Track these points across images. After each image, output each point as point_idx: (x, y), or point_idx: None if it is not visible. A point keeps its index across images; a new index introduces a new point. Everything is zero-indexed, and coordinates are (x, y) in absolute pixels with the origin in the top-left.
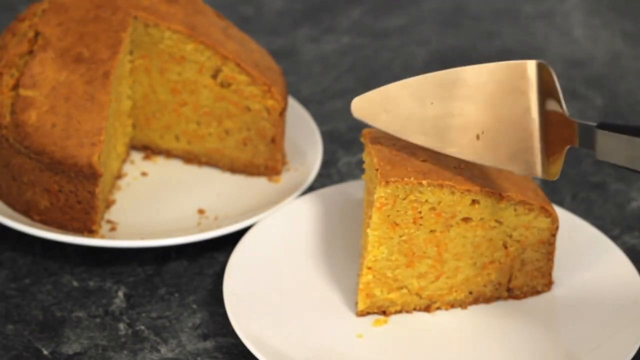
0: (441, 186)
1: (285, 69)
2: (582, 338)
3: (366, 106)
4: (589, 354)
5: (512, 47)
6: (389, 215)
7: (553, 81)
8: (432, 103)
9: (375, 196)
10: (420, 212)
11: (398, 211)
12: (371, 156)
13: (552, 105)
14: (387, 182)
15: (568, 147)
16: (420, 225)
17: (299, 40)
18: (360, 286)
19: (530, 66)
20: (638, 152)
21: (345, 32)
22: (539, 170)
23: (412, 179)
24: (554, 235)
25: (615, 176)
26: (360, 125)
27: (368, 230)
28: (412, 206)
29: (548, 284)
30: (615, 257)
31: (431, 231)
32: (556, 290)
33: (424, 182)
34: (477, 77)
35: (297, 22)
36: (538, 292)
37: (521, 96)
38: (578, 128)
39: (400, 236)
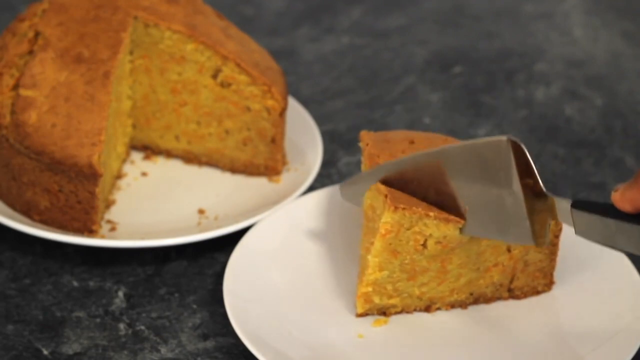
0: (447, 220)
1: (285, 69)
2: (582, 338)
3: (352, 191)
4: (590, 354)
5: (512, 47)
6: (390, 244)
7: (526, 157)
8: (415, 183)
9: (382, 221)
10: (423, 245)
11: (400, 240)
12: (376, 185)
13: (529, 180)
14: (396, 209)
15: (551, 220)
16: (424, 253)
17: (299, 40)
18: (359, 294)
19: (504, 143)
20: (612, 232)
21: (345, 32)
22: (529, 240)
23: (420, 209)
24: (557, 236)
25: (615, 176)
26: (360, 125)
27: (369, 257)
28: (414, 237)
29: (549, 284)
30: (615, 257)
31: (434, 256)
32: (556, 290)
33: (432, 214)
34: (457, 156)
35: (297, 22)
36: (538, 292)
37: (500, 173)
38: (555, 204)
39: (402, 260)
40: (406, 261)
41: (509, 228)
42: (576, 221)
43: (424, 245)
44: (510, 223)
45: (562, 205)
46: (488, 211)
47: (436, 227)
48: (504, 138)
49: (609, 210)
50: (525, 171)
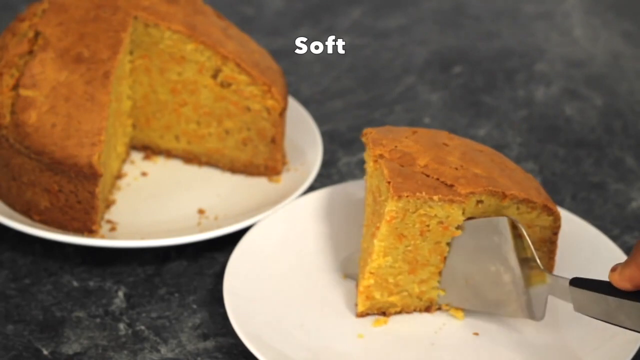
0: (452, 201)
1: (285, 69)
2: (582, 338)
3: (354, 264)
4: (590, 354)
5: (512, 47)
6: (396, 228)
7: (524, 236)
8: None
9: (387, 209)
10: (428, 226)
11: (406, 224)
12: (380, 167)
13: (527, 257)
14: (400, 197)
15: (548, 295)
16: (427, 237)
17: (299, 40)
18: (361, 289)
19: (503, 222)
20: (612, 309)
21: (345, 32)
22: (525, 314)
23: (423, 193)
24: (556, 234)
25: (615, 176)
26: (360, 125)
27: (375, 241)
28: (420, 220)
29: None
30: (615, 256)
31: (436, 242)
32: None
33: (435, 197)
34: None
35: (297, 22)
36: None
37: (498, 250)
38: (552, 281)
39: (406, 246)
40: (409, 247)
41: (506, 302)
42: (575, 298)
43: (428, 227)
44: (508, 298)
45: (560, 282)
46: (486, 286)
47: (440, 208)
48: (504, 218)
49: (607, 287)
50: (522, 249)
